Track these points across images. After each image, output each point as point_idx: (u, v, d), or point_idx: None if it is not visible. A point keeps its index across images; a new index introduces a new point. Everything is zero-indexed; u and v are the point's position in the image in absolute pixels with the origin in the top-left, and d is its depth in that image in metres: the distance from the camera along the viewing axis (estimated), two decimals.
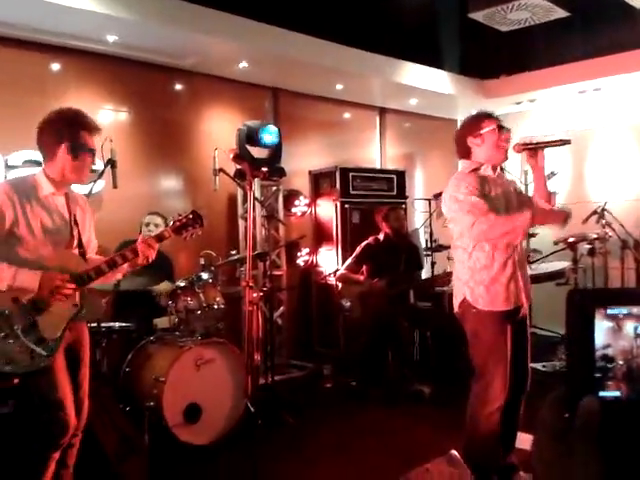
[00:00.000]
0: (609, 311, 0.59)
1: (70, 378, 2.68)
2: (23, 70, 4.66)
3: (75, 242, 2.71)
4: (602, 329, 0.58)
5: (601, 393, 0.58)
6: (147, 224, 4.63)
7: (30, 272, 2.49)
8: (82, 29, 4.57)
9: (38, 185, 2.63)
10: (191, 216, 2.88)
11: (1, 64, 4.56)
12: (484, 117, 3.06)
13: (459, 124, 3.21)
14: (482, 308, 2.93)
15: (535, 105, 7.38)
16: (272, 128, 5.48)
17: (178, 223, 2.86)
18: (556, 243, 5.90)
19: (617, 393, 0.58)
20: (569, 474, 0.54)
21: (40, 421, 2.61)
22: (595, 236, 5.77)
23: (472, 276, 2.97)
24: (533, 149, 2.96)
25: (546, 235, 6.25)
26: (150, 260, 2.79)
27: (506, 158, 3.05)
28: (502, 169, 3.19)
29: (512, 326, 2.98)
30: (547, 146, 2.95)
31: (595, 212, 5.93)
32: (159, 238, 2.82)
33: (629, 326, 0.59)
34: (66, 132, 2.59)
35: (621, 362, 0.59)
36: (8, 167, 4.48)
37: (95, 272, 2.65)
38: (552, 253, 5.87)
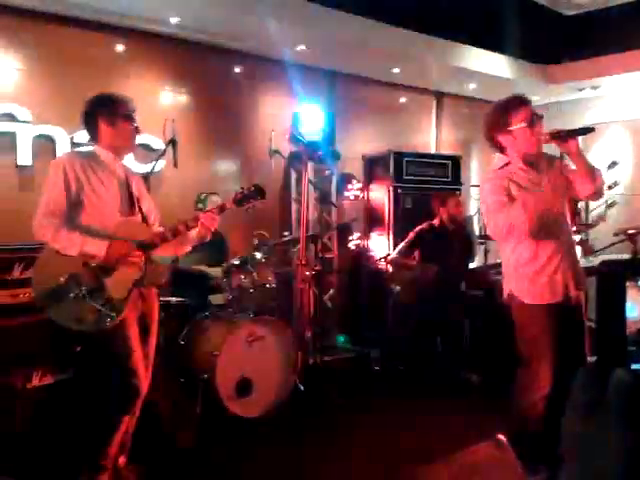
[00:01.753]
0: None
1: None
2: (89, 51, 4.81)
3: (136, 209, 2.85)
4: (636, 302, 0.57)
5: (634, 365, 0.57)
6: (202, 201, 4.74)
7: (98, 241, 2.64)
8: (146, 10, 4.69)
9: (99, 154, 2.83)
10: (253, 189, 2.98)
11: (68, 45, 4.73)
12: (512, 110, 2.87)
13: (485, 117, 2.97)
14: (529, 302, 2.90)
15: (598, 92, 7.14)
16: (320, 114, 5.46)
17: (240, 195, 2.96)
18: (616, 234, 5.72)
19: None
20: (600, 448, 0.54)
21: (113, 386, 2.74)
22: None
23: (516, 270, 2.94)
24: (559, 138, 2.84)
25: (606, 227, 6.09)
26: (213, 229, 2.92)
27: (540, 149, 2.91)
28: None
29: (564, 315, 2.93)
30: (570, 135, 2.81)
31: None
32: (221, 209, 2.94)
33: None
34: (98, 108, 2.81)
35: None
36: (74, 144, 4.66)
37: (160, 239, 2.80)
38: (611, 245, 5.70)
